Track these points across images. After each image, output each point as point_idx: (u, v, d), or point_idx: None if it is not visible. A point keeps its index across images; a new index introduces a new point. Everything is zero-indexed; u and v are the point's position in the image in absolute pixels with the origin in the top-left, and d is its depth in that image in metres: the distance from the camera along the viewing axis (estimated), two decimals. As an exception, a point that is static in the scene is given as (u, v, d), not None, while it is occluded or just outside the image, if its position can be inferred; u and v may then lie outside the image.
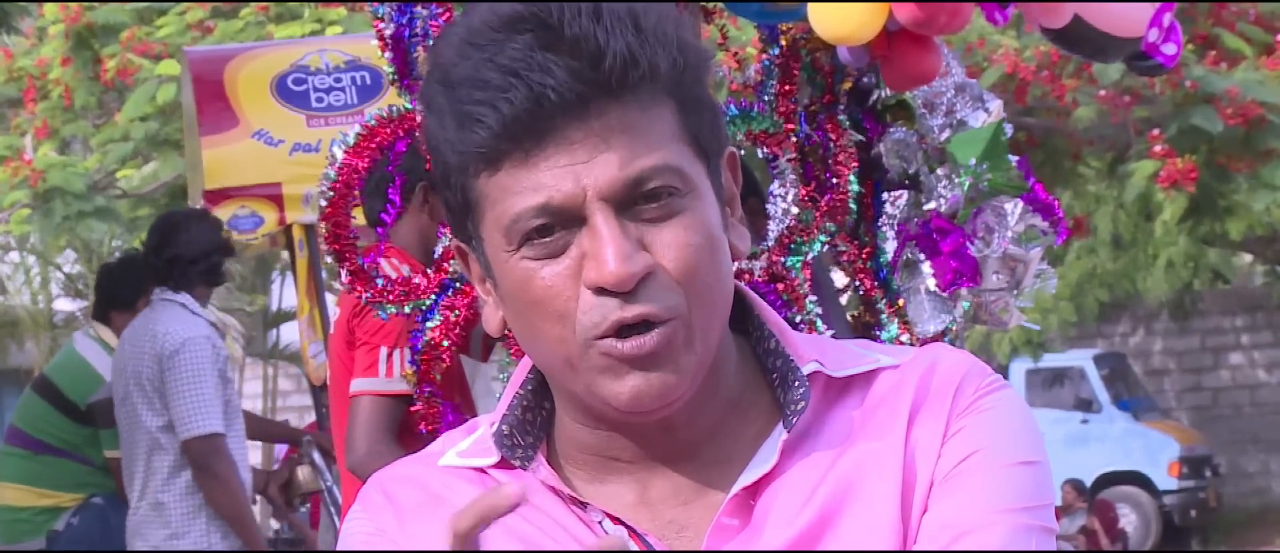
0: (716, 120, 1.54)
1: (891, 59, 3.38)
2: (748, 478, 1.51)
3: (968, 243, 3.67)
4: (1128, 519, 19.47)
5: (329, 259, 3.35)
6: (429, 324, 3.36)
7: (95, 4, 11.22)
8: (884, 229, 3.73)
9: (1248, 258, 20.03)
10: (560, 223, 1.46)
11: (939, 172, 3.73)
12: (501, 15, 1.46)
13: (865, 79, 3.72)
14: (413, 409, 3.50)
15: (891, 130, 3.75)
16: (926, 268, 3.74)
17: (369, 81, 6.21)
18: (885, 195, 3.75)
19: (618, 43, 1.44)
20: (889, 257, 3.73)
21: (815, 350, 1.56)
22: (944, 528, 1.48)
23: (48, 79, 11.39)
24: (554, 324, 1.47)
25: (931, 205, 3.71)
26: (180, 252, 5.87)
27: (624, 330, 1.45)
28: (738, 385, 1.55)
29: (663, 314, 1.46)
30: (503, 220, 1.47)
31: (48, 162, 10.73)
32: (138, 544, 5.71)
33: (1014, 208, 3.76)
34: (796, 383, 1.52)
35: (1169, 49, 3.64)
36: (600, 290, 1.45)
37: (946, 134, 3.77)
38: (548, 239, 1.46)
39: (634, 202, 1.46)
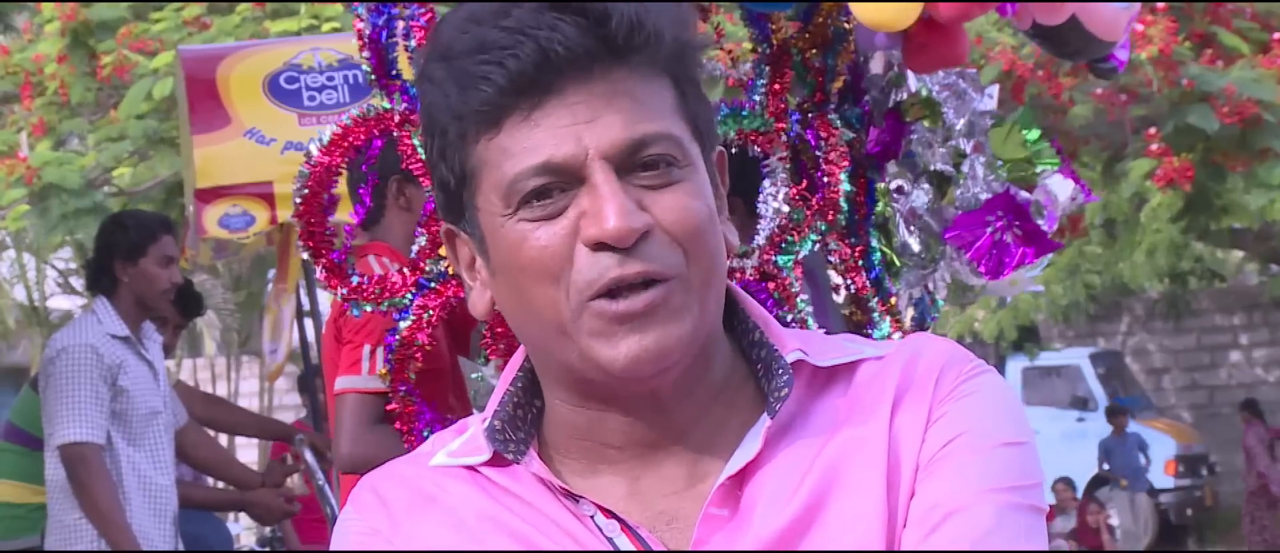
0: (710, 111, 1.56)
1: (921, 45, 3.42)
2: (733, 466, 1.51)
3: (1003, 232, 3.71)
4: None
5: (304, 255, 3.36)
6: (402, 323, 3.36)
7: (91, 0, 11.21)
8: (897, 223, 3.76)
9: (1239, 254, 20.06)
10: (559, 183, 1.46)
11: (977, 159, 3.77)
12: None
13: (883, 79, 3.76)
14: (389, 408, 3.50)
15: (913, 127, 3.78)
16: (961, 264, 3.76)
17: (361, 80, 6.20)
18: (906, 189, 3.78)
19: (624, 7, 1.46)
20: (880, 256, 3.74)
21: (799, 341, 1.56)
22: (933, 509, 1.48)
23: (44, 75, 11.37)
24: (547, 286, 1.47)
25: (960, 200, 3.75)
26: (91, 257, 5.96)
27: (619, 291, 1.45)
28: (724, 375, 1.55)
29: (663, 272, 1.46)
30: (501, 183, 1.47)
31: (43, 158, 10.72)
32: (53, 544, 5.74)
33: (1061, 183, 3.81)
34: (780, 371, 1.53)
35: (1123, 54, 3.73)
36: (599, 246, 1.45)
37: (965, 121, 3.81)
38: (546, 201, 1.46)
39: (633, 167, 1.46)
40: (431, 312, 3.35)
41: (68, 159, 11.08)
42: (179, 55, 6.92)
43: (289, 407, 19.96)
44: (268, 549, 8.87)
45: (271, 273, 17.91)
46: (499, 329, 3.38)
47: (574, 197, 1.46)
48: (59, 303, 21.03)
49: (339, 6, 10.23)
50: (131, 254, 5.83)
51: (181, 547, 5.94)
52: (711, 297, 1.50)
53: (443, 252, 3.42)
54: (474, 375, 3.55)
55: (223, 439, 15.72)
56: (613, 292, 1.45)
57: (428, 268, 3.39)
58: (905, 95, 3.83)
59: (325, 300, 6.81)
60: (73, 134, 12.16)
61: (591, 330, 1.46)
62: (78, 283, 18.65)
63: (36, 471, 5.90)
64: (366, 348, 4.10)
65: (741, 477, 1.51)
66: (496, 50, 1.45)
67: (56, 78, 11.24)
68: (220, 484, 7.04)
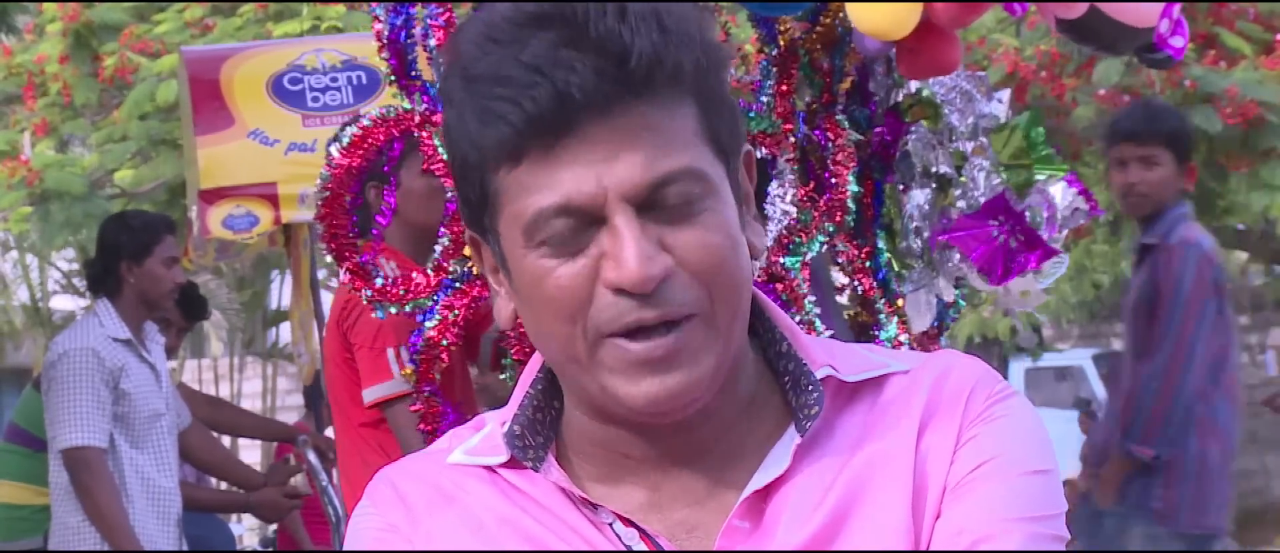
0: (735, 119, 1.53)
1: (914, 50, 3.40)
2: (760, 481, 1.50)
3: (1004, 235, 3.69)
4: (1126, 518, 19.46)
5: (328, 258, 3.37)
6: (428, 324, 3.36)
7: (94, 2, 11.20)
8: (909, 226, 3.75)
9: (1243, 256, 20.04)
10: (579, 222, 1.44)
11: (980, 162, 3.76)
12: (524, 11, 1.44)
13: (888, 80, 3.74)
14: (413, 409, 3.50)
15: (913, 129, 3.76)
16: (957, 265, 3.75)
17: (365, 81, 6.21)
18: (913, 191, 3.76)
19: (643, 43, 1.42)
20: (887, 257, 3.73)
21: (827, 354, 1.55)
22: (959, 534, 1.48)
23: (46, 75, 11.37)
24: (564, 323, 1.45)
25: (962, 203, 3.73)
26: (94, 258, 5.94)
27: (637, 332, 1.44)
28: (750, 389, 1.54)
29: (683, 313, 1.44)
30: (521, 218, 1.45)
31: (46, 160, 10.71)
32: (56, 546, 5.74)
33: (1061, 189, 3.80)
34: (810, 387, 1.51)
35: (1177, 42, 3.65)
36: (619, 291, 1.43)
37: (969, 123, 3.80)
38: (566, 239, 1.44)
39: (655, 203, 1.44)
40: (457, 312, 3.35)
41: (70, 161, 11.08)
42: (182, 56, 6.91)
43: (293, 408, 19.96)
44: (270, 550, 8.88)
45: (274, 273, 17.89)
46: (520, 329, 3.37)
47: (594, 235, 1.44)
48: (62, 303, 21.03)
49: (341, 7, 10.23)
50: (138, 254, 5.82)
51: (185, 548, 5.94)
52: (736, 327, 1.48)
53: (467, 251, 3.42)
54: (504, 376, 3.54)
55: (226, 441, 15.76)
56: (632, 332, 1.44)
57: (452, 269, 3.38)
58: (903, 95, 3.81)
59: (327, 300, 6.82)
60: (75, 135, 12.15)
61: (610, 367, 1.45)
62: (80, 283, 18.64)
63: (39, 472, 5.90)
64: (391, 351, 4.09)
65: (765, 491, 1.50)
66: (514, 86, 1.42)
67: (59, 79, 11.24)
68: (224, 486, 7.04)
